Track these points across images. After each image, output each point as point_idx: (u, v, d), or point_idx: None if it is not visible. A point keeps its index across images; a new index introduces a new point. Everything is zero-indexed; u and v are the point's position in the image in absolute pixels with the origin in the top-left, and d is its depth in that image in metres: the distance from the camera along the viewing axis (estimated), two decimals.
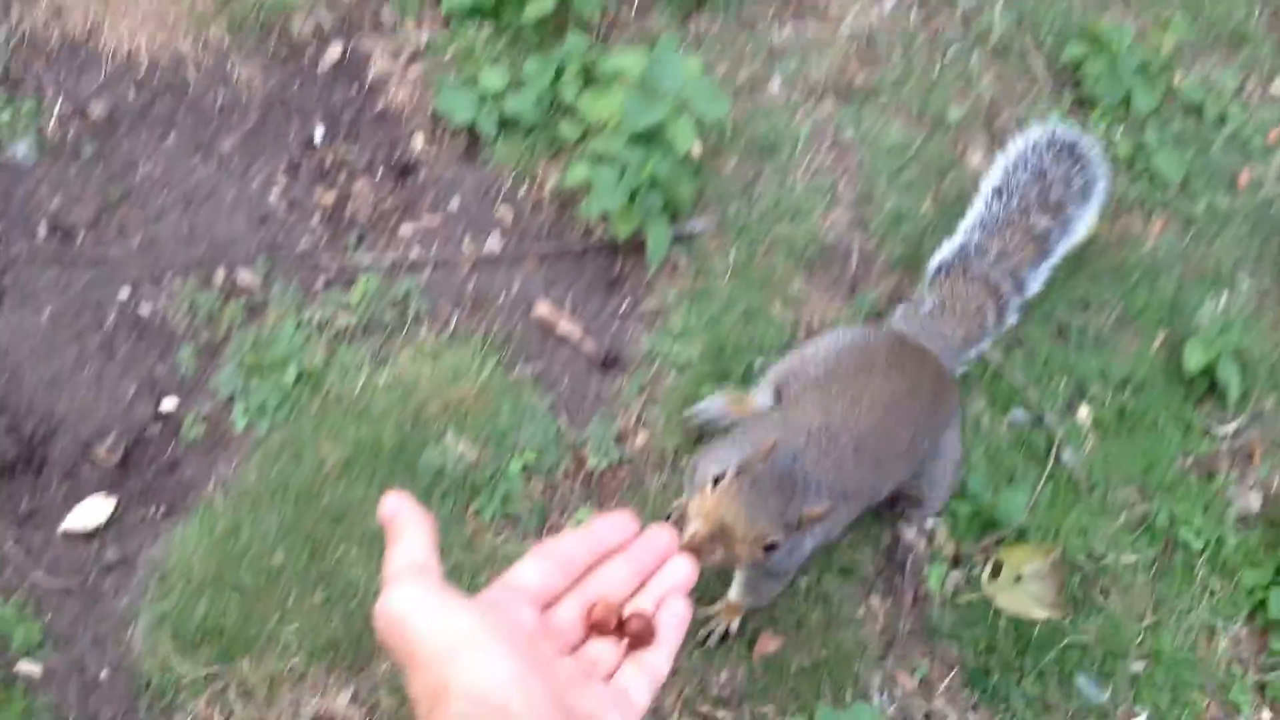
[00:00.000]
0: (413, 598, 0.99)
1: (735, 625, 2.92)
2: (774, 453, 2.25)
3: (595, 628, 1.13)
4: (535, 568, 1.12)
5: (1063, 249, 3.28)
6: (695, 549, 2.00)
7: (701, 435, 3.12)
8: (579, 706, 1.01)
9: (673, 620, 1.16)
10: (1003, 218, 3.21)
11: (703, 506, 2.19)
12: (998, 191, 3.24)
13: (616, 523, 1.20)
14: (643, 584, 1.19)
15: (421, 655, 0.95)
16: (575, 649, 1.13)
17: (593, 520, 1.19)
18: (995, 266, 3.17)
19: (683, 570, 1.21)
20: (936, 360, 2.97)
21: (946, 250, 3.24)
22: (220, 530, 2.84)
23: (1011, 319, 3.25)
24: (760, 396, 3.02)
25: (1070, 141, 3.26)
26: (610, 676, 1.11)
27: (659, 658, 1.14)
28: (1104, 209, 3.38)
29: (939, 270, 3.22)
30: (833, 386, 2.77)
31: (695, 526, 2.14)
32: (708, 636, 2.91)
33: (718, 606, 2.91)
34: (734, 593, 2.83)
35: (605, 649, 1.12)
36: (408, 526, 1.06)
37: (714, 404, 3.11)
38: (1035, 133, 3.28)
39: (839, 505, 2.52)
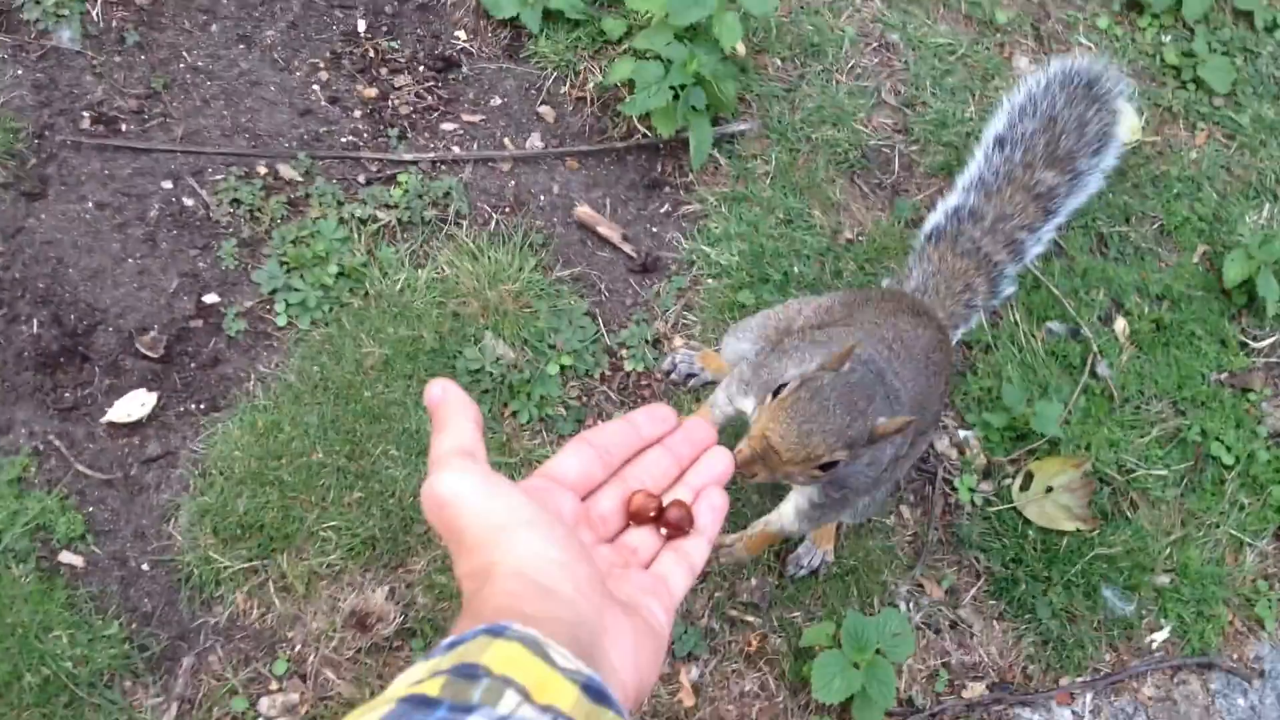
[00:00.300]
0: (460, 481, 0.94)
1: (830, 556, 2.81)
2: (851, 358, 1.98)
3: (635, 516, 1.10)
4: (575, 457, 1.09)
5: (1069, 209, 2.92)
6: (740, 468, 1.85)
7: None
8: (618, 592, 0.98)
9: (711, 511, 1.13)
10: (1004, 173, 2.82)
11: (759, 421, 1.94)
12: (1000, 142, 2.85)
13: (656, 414, 1.15)
14: (681, 475, 1.15)
15: (470, 537, 0.91)
16: (614, 538, 1.10)
17: (632, 413, 1.15)
18: (990, 234, 2.81)
19: (721, 462, 1.17)
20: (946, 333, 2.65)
21: (940, 213, 2.87)
22: (261, 426, 2.74)
23: (1008, 290, 2.92)
24: (739, 348, 2.66)
25: (1090, 77, 2.84)
26: (649, 565, 1.08)
27: (697, 547, 1.11)
28: (1140, 126, 3.10)
29: (930, 238, 2.86)
30: (875, 314, 2.47)
31: (743, 444, 1.94)
32: (797, 569, 2.80)
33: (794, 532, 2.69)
34: (785, 518, 2.51)
35: (644, 537, 1.10)
36: (454, 412, 1.01)
37: (685, 357, 2.82)
38: (1052, 68, 2.85)
39: (918, 418, 2.23)
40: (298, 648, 2.58)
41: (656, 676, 0.96)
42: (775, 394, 1.97)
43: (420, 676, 0.74)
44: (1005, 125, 2.87)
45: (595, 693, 0.76)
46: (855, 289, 2.80)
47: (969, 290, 2.79)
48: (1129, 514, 3.01)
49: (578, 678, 0.76)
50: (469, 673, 0.73)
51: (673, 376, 2.90)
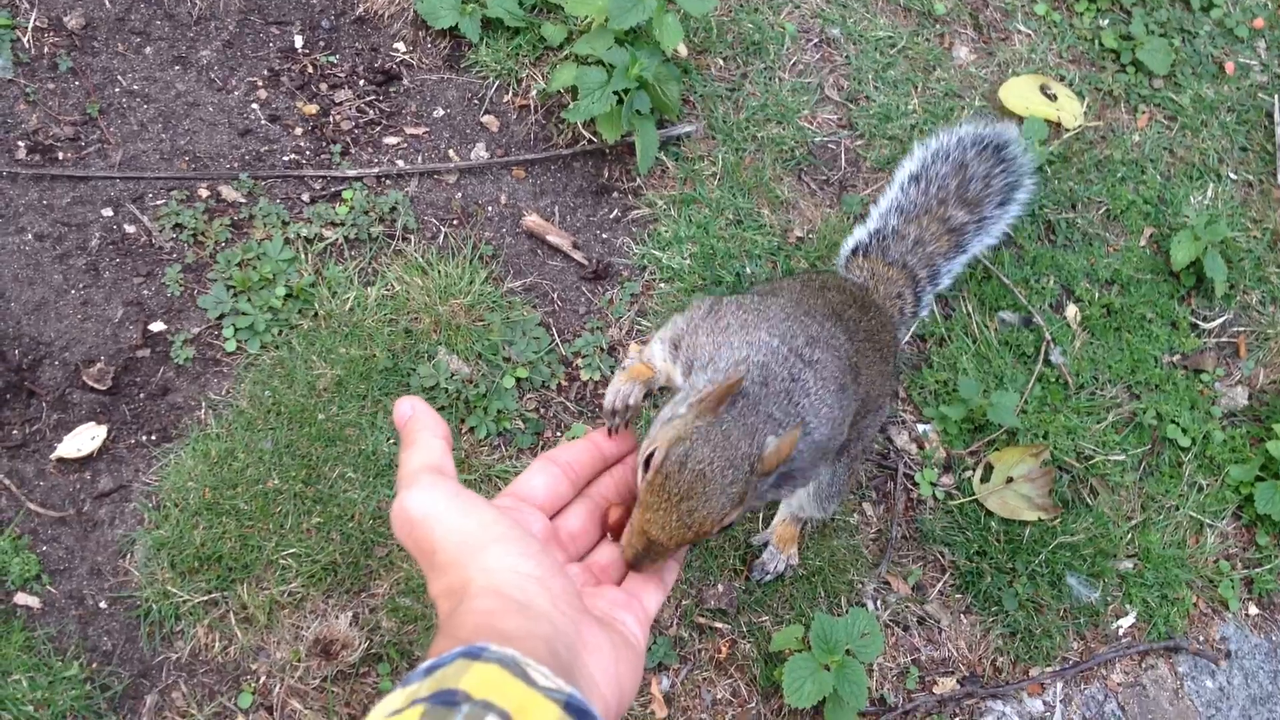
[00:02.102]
0: (432, 499, 0.93)
1: (795, 559, 2.78)
2: (732, 392, 1.59)
3: (613, 530, 1.10)
4: (543, 475, 1.08)
5: (979, 247, 2.95)
6: (632, 567, 1.42)
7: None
8: (593, 608, 0.97)
9: None
10: (920, 204, 2.85)
11: (633, 516, 1.36)
12: (914, 178, 2.87)
13: (617, 436, 1.19)
14: None
15: (442, 555, 0.90)
16: (583, 557, 1.10)
17: (593, 433, 1.17)
18: (912, 253, 2.82)
19: None
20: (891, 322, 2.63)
21: (860, 233, 2.86)
22: (214, 455, 2.69)
23: (924, 312, 2.93)
24: (656, 355, 2.26)
25: (998, 142, 2.88)
26: (620, 582, 1.09)
27: (668, 563, 1.13)
28: (1029, 207, 3.09)
29: (855, 252, 2.84)
30: (802, 301, 2.24)
31: (624, 541, 1.52)
32: (763, 575, 2.78)
33: (766, 535, 2.77)
34: (803, 506, 2.50)
35: (614, 554, 1.10)
36: (423, 429, 1.00)
37: (622, 389, 2.14)
38: (963, 129, 2.90)
39: (812, 422, 1.90)
40: (262, 679, 2.53)
41: (636, 689, 0.96)
42: (645, 465, 1.62)
43: (399, 705, 0.72)
44: (919, 165, 2.89)
45: (577, 710, 0.75)
46: (801, 277, 2.75)
47: (900, 298, 2.78)
48: (1089, 501, 3.01)
49: (558, 696, 0.75)
50: (448, 699, 0.71)
51: (619, 420, 2.49)
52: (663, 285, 3.10)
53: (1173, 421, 3.14)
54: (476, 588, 0.86)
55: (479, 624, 0.82)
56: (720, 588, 2.76)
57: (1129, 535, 2.99)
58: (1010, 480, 2.96)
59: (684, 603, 2.74)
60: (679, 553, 1.13)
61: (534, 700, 0.73)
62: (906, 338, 3.07)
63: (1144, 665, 2.88)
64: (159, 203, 2.97)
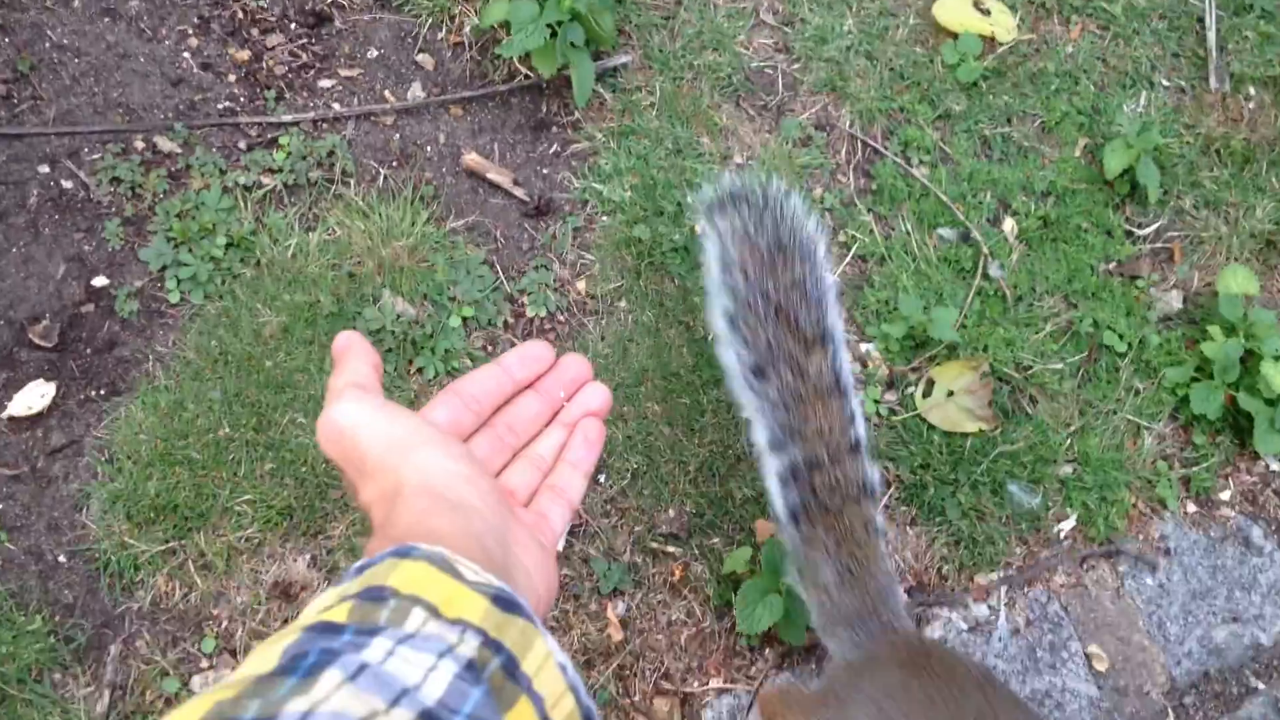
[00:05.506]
0: (358, 409, 0.93)
1: None
2: None
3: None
4: (444, 408, 1.07)
5: (850, 374, 2.12)
6: None
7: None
8: None
9: (585, 445, 1.13)
10: (788, 393, 2.07)
11: None
12: (756, 371, 2.11)
13: (529, 355, 1.13)
14: (555, 415, 1.14)
15: (372, 460, 0.90)
16: None
17: (503, 355, 1.13)
18: (835, 465, 2.09)
19: (598, 396, 1.15)
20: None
21: (775, 487, 2.13)
22: (163, 406, 2.70)
23: (882, 524, 2.19)
24: None
25: (799, 242, 2.06)
26: (528, 503, 1.08)
27: (573, 483, 1.11)
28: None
29: (794, 520, 2.15)
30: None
31: None
32: None
33: None
34: None
35: (521, 477, 1.09)
36: (353, 356, 1.00)
37: None
38: (736, 292, 2.09)
39: None
40: (224, 624, 2.57)
41: (555, 595, 0.97)
42: None
43: (329, 603, 0.73)
44: (741, 364, 2.15)
45: (505, 601, 0.76)
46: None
47: (865, 546, 2.17)
48: (1029, 410, 3.07)
49: (488, 590, 0.76)
50: (376, 595, 0.72)
51: None
52: (605, 219, 3.11)
53: (1109, 328, 3.19)
54: (409, 489, 0.87)
55: (412, 523, 0.83)
56: (672, 513, 2.81)
57: (1068, 441, 3.05)
58: (951, 394, 3.01)
59: (636, 529, 2.78)
60: (586, 469, 1.14)
61: (462, 593, 0.74)
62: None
63: (1085, 566, 2.96)
64: (95, 157, 2.95)
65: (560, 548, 2.76)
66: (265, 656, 0.67)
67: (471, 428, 1.09)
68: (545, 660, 0.77)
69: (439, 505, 0.85)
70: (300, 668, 0.65)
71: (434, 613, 0.72)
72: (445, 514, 0.85)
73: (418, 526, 0.82)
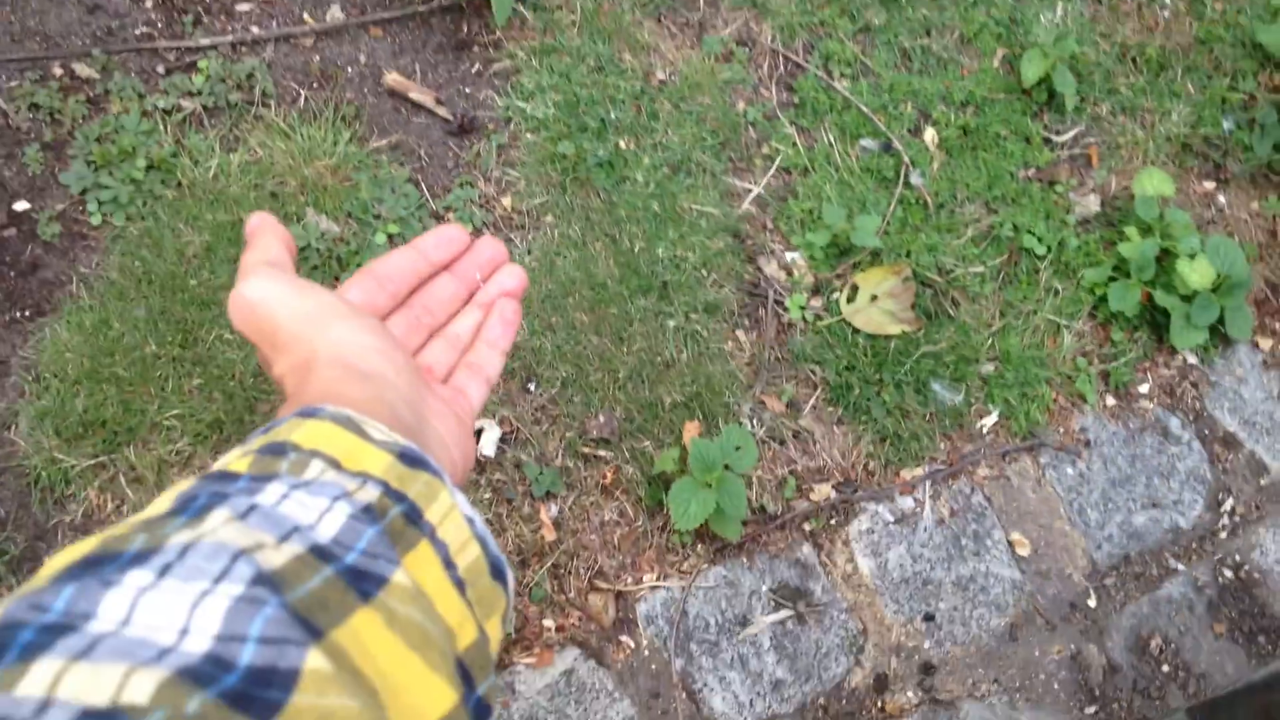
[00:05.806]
0: (270, 284, 0.91)
1: None
2: None
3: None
4: (358, 289, 1.04)
5: None
6: None
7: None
8: None
9: (502, 323, 1.11)
10: None
11: None
12: None
13: (444, 236, 1.10)
14: (471, 296, 1.13)
15: (285, 333, 0.89)
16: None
17: (419, 238, 1.12)
18: None
19: (513, 277, 1.14)
20: None
21: None
22: (89, 325, 2.70)
23: None
24: None
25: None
26: (446, 381, 1.07)
27: (490, 360, 1.09)
28: None
29: None
30: None
31: None
32: None
33: None
34: None
35: (438, 355, 1.08)
36: (265, 234, 0.97)
37: None
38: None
39: None
40: None
41: (471, 464, 0.97)
42: None
43: (230, 460, 0.73)
44: None
45: (411, 459, 0.76)
46: None
47: None
48: (951, 312, 3.13)
49: (393, 447, 0.76)
50: (276, 449, 0.73)
51: None
52: (529, 136, 3.13)
53: (1029, 232, 3.25)
54: (321, 360, 0.86)
55: (323, 391, 0.83)
56: (601, 418, 2.84)
57: (989, 341, 3.11)
58: (875, 298, 3.06)
59: (567, 435, 2.82)
60: (503, 348, 1.15)
61: (365, 449, 0.75)
62: None
63: (1008, 459, 3.02)
64: (13, 84, 2.94)
65: (491, 454, 2.80)
66: (158, 504, 0.69)
67: (387, 308, 1.07)
68: (450, 511, 0.78)
69: (351, 375, 0.86)
70: (190, 509, 0.66)
71: (335, 465, 0.73)
72: (357, 383, 0.85)
73: (328, 394, 0.82)
